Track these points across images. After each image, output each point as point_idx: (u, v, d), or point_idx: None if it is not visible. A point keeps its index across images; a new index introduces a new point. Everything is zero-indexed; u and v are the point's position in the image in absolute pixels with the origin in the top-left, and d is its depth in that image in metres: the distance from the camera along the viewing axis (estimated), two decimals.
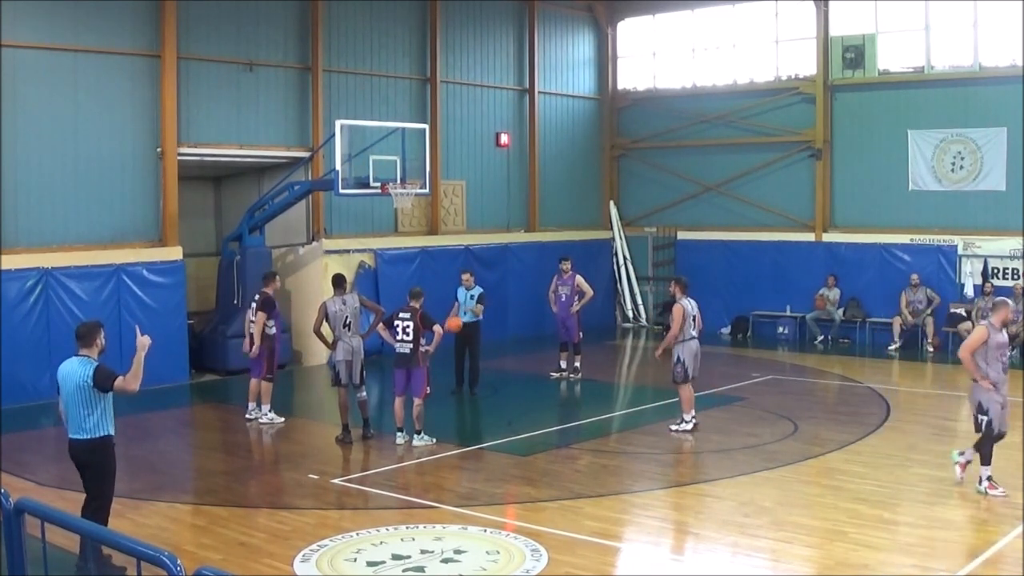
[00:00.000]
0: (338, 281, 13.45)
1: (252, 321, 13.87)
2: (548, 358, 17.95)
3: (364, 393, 13.06)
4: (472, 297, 15.69)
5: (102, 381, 7.93)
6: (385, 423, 13.26)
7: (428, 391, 12.57)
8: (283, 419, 13.96)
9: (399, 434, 12.58)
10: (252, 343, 13.69)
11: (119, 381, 7.93)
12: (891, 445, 12.43)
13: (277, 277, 14.50)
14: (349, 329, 12.95)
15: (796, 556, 8.71)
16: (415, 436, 12.48)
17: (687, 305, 13.11)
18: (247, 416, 13.98)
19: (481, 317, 15.91)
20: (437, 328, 12.63)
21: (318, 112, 18.91)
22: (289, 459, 12.45)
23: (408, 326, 12.42)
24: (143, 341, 8.01)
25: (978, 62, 20.28)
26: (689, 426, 13.11)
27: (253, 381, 14.00)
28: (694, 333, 13.16)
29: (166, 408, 15.15)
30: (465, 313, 15.61)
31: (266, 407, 13.89)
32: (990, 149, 19.99)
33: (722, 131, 23.42)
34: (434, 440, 12.52)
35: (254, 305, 13.97)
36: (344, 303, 13.08)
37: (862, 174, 21.60)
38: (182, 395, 16.34)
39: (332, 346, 13.05)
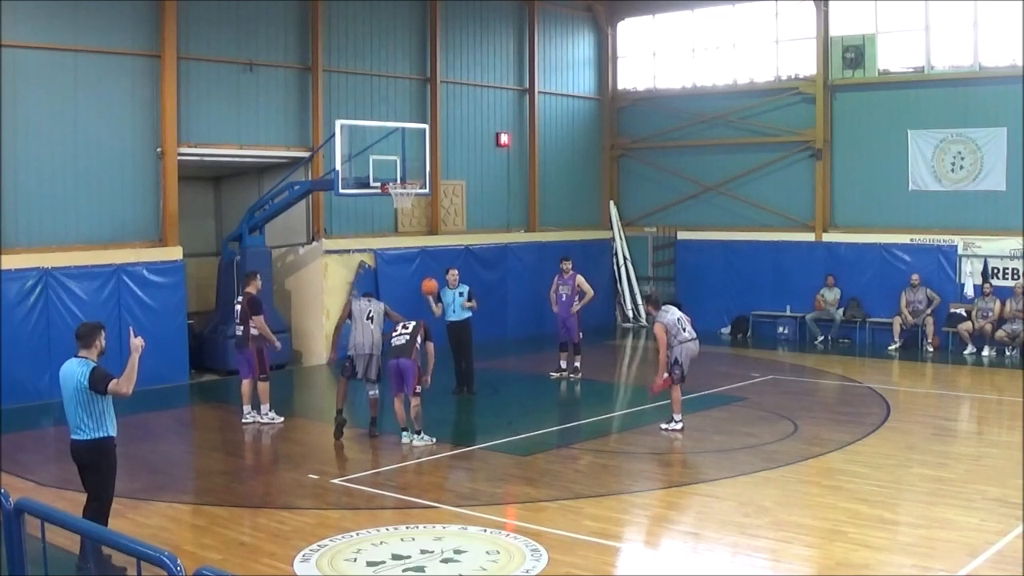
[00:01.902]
0: (369, 294, 14.23)
1: (239, 324, 13.90)
2: (548, 358, 17.95)
3: (376, 391, 13.11)
4: (461, 294, 15.70)
5: (96, 383, 7.91)
6: (385, 423, 13.25)
7: (419, 389, 12.59)
8: (282, 419, 13.96)
9: (404, 434, 12.62)
10: (269, 341, 13.86)
11: (112, 384, 7.89)
12: (891, 445, 12.43)
13: (258, 276, 14.45)
14: (372, 322, 13.09)
15: (796, 556, 8.71)
16: (415, 436, 12.52)
17: (667, 319, 13.07)
18: (243, 420, 13.90)
19: (475, 307, 15.90)
20: (430, 346, 12.88)
21: (318, 112, 18.91)
22: (289, 459, 12.44)
23: (409, 324, 12.76)
24: (136, 343, 8.00)
25: (978, 62, 20.27)
26: (679, 426, 13.12)
27: (245, 383, 13.92)
28: (688, 336, 13.15)
29: (166, 408, 15.16)
30: (454, 312, 15.63)
31: (265, 407, 13.85)
32: (990, 149, 19.98)
33: (722, 131, 23.42)
34: (434, 440, 12.53)
35: (238, 308, 13.97)
36: (369, 302, 13.39)
37: (862, 174, 21.60)
38: (182, 395, 16.34)
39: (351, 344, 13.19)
